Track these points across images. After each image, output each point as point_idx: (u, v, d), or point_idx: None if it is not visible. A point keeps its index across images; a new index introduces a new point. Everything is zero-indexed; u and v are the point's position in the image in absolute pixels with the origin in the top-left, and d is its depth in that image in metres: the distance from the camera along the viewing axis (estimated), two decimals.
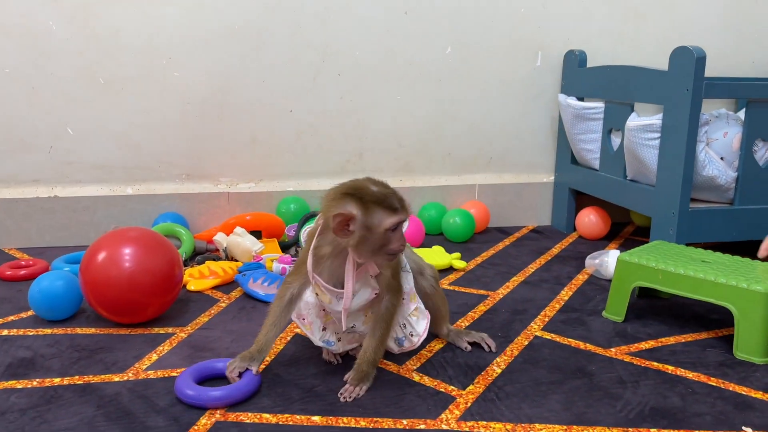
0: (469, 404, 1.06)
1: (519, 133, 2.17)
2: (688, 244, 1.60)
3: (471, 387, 1.11)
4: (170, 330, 1.33)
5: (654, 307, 1.48)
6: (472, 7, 2.04)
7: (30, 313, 1.40)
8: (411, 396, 1.08)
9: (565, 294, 1.57)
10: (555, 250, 1.94)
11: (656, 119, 1.65)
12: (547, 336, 1.33)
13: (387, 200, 1.02)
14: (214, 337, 1.30)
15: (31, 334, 1.30)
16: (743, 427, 0.99)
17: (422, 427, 0.99)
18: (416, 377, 1.15)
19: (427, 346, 1.27)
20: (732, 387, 1.12)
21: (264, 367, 1.17)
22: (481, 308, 1.47)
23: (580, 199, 2.14)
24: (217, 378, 1.11)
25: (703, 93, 1.54)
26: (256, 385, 1.07)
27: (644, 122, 1.67)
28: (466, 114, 2.12)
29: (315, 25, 1.94)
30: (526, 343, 1.30)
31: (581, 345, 1.29)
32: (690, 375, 1.17)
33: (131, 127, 1.89)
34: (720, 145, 1.64)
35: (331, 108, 2.01)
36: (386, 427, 0.99)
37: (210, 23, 1.87)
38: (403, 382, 1.13)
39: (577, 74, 2.04)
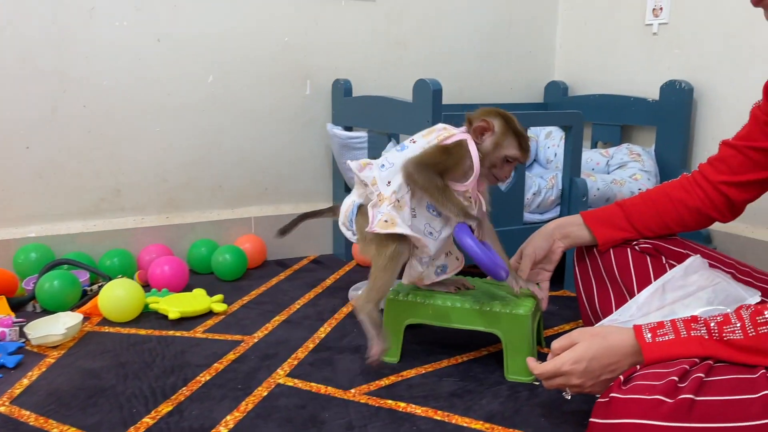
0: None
1: (293, 162, 2.13)
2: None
3: None
4: None
5: (422, 336, 1.49)
6: (232, 35, 1.96)
7: None
8: None
9: (323, 331, 1.53)
10: (329, 281, 1.92)
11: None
12: (291, 382, 1.27)
13: (523, 138, 1.23)
14: None
15: None
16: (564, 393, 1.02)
17: None
18: None
19: (153, 411, 1.15)
20: (455, 419, 1.14)
21: None
22: (230, 357, 1.39)
23: None
24: None
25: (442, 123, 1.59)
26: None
27: None
28: (236, 144, 2.03)
29: (47, 52, 1.74)
30: (266, 393, 1.23)
31: (322, 389, 1.25)
32: (419, 411, 1.16)
33: None
34: None
35: (78, 142, 1.83)
36: None
37: None
38: None
39: (344, 103, 2.04)
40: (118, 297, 1.55)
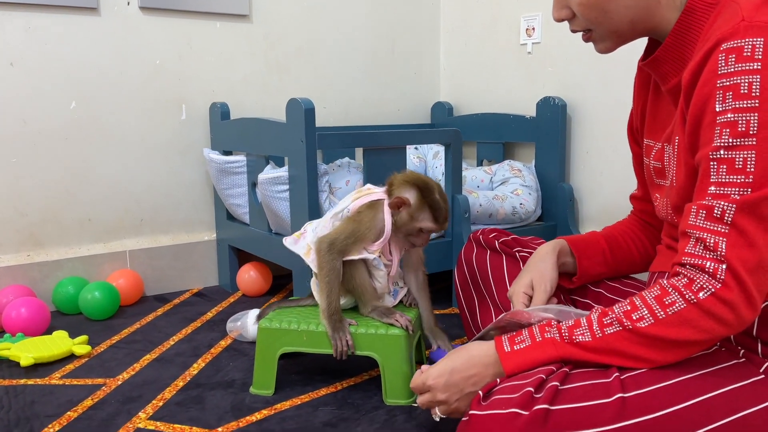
0: None
1: (170, 190, 2.02)
2: None
3: None
4: None
5: (302, 365, 1.41)
6: (96, 58, 1.85)
7: None
8: None
9: (196, 367, 1.43)
10: (210, 314, 1.81)
11: (283, 171, 1.63)
12: (152, 426, 1.17)
13: (439, 210, 1.25)
14: None
15: None
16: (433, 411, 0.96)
17: None
18: None
19: None
20: None
21: None
22: (87, 403, 1.26)
23: (244, 256, 2.05)
24: None
25: (317, 144, 1.55)
26: None
27: (273, 175, 1.64)
28: (104, 174, 1.90)
29: None
30: None
31: (186, 430, 1.15)
32: None
33: None
34: (344, 193, 1.67)
35: None
36: None
37: None
38: None
39: (222, 127, 1.96)
40: None
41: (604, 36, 0.95)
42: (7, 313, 1.59)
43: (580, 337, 0.85)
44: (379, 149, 1.66)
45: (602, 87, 1.97)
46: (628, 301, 0.85)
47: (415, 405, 1.21)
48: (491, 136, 2.25)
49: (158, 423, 1.18)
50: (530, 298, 1.09)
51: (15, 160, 1.77)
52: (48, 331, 1.61)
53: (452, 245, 1.79)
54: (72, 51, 1.81)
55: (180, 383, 1.35)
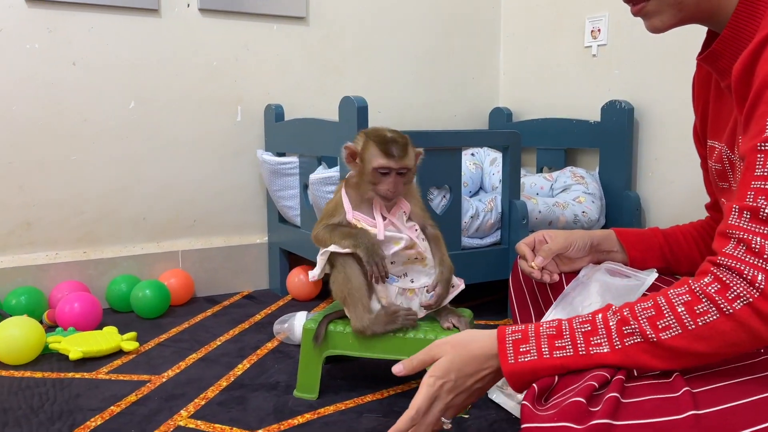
0: None
1: (224, 192, 2.01)
2: None
3: None
4: None
5: (347, 370, 1.36)
6: (155, 59, 1.87)
7: None
8: None
9: (241, 368, 1.40)
10: (259, 316, 1.78)
11: (334, 171, 1.59)
12: (192, 424, 1.13)
13: (386, 144, 1.13)
14: None
15: None
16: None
17: None
18: None
19: None
20: None
21: None
22: (130, 399, 1.24)
23: (295, 259, 2.02)
24: None
25: None
26: None
27: (324, 175, 1.60)
28: (159, 174, 1.92)
29: None
30: None
31: (226, 430, 1.11)
32: None
33: None
34: None
35: None
36: None
37: None
38: None
39: (276, 129, 1.95)
40: (12, 337, 1.40)
41: (663, 6, 0.85)
42: (60, 308, 1.60)
43: (596, 348, 0.76)
44: (434, 150, 1.60)
45: (672, 89, 1.85)
46: (652, 303, 0.76)
47: (466, 416, 1.14)
48: (552, 142, 2.15)
49: (199, 422, 1.14)
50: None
51: (74, 158, 1.80)
52: (99, 327, 1.61)
53: (508, 253, 1.71)
54: (132, 51, 1.84)
55: (224, 383, 1.32)
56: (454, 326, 1.20)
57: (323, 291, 2.00)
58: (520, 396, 1.04)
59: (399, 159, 1.13)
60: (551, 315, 1.06)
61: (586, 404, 0.71)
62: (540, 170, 2.23)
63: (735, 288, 0.70)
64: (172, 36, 1.88)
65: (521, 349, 0.79)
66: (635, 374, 0.78)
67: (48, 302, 1.73)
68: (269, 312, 1.83)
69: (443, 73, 2.34)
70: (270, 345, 1.54)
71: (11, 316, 1.55)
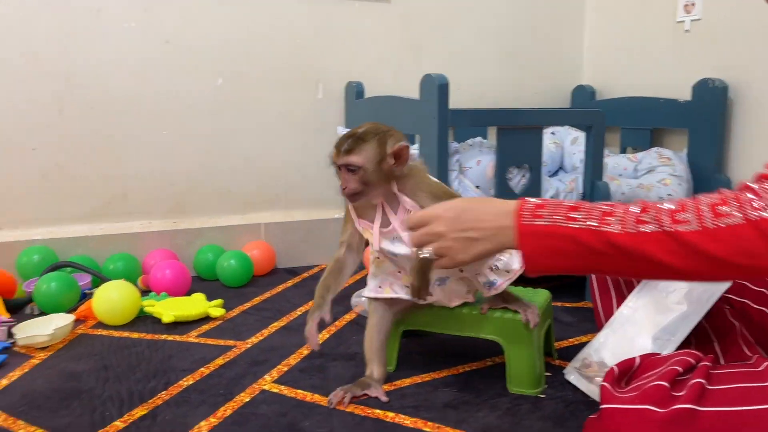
0: None
1: (305, 167, 2.07)
2: None
3: None
4: None
5: (424, 345, 1.39)
6: (243, 38, 1.93)
7: None
8: None
9: (321, 338, 1.45)
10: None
11: (414, 149, 1.60)
12: (276, 389, 1.19)
13: (340, 138, 1.09)
14: None
15: None
16: None
17: None
18: None
19: (126, 415, 1.09)
20: None
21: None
22: (218, 362, 1.31)
23: None
24: None
25: (449, 120, 1.50)
26: None
27: None
28: (245, 149, 1.99)
29: (54, 52, 1.74)
30: (247, 399, 1.15)
31: (308, 396, 1.16)
32: (407, 421, 1.07)
33: None
34: (474, 173, 1.61)
35: (84, 145, 1.81)
36: None
37: None
38: None
39: (356, 106, 1.98)
40: (111, 300, 1.51)
41: None
42: (153, 274, 1.70)
43: (607, 227, 0.72)
44: (515, 129, 1.59)
45: None
46: (677, 201, 0.73)
47: (542, 396, 1.15)
48: (637, 121, 2.08)
49: (282, 387, 1.20)
50: None
51: (166, 132, 1.90)
52: (188, 293, 1.71)
53: None
54: (220, 30, 1.90)
55: (304, 351, 1.37)
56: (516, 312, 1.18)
57: None
58: (599, 379, 1.03)
59: (342, 154, 1.07)
60: (633, 300, 1.05)
61: (669, 388, 0.70)
62: (623, 150, 2.16)
63: (766, 198, 0.67)
64: (257, 14, 1.94)
65: (538, 213, 0.77)
66: (721, 361, 0.76)
67: (142, 268, 1.84)
68: (347, 285, 1.86)
69: (525, 50, 2.30)
70: (348, 317, 1.59)
71: (110, 280, 1.66)
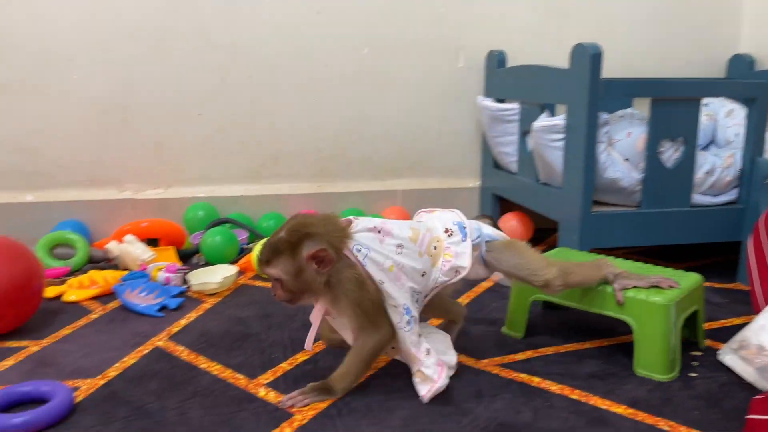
0: (305, 421, 0.99)
1: (442, 136, 2.11)
2: (591, 250, 1.54)
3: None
4: (23, 343, 1.26)
5: (562, 317, 1.41)
6: (389, 7, 1.98)
7: None
8: (246, 413, 1.02)
9: (462, 302, 1.50)
10: None
11: (559, 120, 1.59)
12: None
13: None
14: (66, 350, 1.23)
15: None
16: None
17: None
18: (262, 392, 1.08)
19: (290, 359, 1.20)
20: (594, 401, 1.05)
21: (104, 382, 1.10)
22: None
23: (506, 205, 2.07)
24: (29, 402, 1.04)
25: (601, 91, 1.47)
26: (62, 409, 0.99)
27: (548, 123, 1.61)
28: (386, 117, 2.06)
29: (220, 25, 1.88)
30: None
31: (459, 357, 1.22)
32: (554, 387, 1.10)
33: (27, 131, 1.82)
34: (624, 145, 1.57)
35: (242, 111, 1.95)
36: None
37: (110, 23, 1.81)
38: (244, 397, 1.06)
39: (497, 75, 1.98)
40: None
41: None
42: None
43: None
44: (670, 100, 1.53)
45: None
46: None
47: (693, 375, 1.13)
48: None
49: None
50: None
51: (315, 100, 2.00)
52: None
53: (744, 213, 1.60)
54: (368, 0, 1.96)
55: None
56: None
57: (534, 237, 2.03)
58: (759, 361, 1.00)
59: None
60: None
61: None
62: None
63: None
64: None
65: None
66: None
67: None
68: None
69: (677, 16, 2.17)
70: (485, 284, 1.63)
71: (264, 236, 1.81)
